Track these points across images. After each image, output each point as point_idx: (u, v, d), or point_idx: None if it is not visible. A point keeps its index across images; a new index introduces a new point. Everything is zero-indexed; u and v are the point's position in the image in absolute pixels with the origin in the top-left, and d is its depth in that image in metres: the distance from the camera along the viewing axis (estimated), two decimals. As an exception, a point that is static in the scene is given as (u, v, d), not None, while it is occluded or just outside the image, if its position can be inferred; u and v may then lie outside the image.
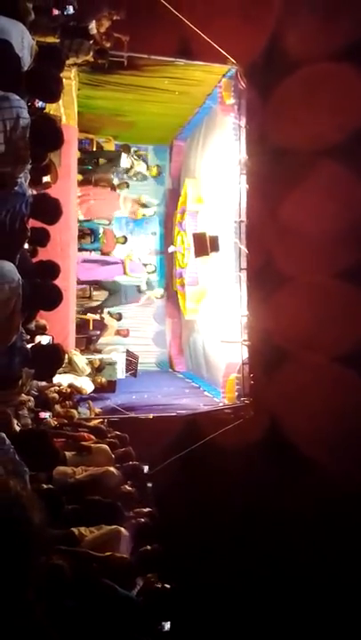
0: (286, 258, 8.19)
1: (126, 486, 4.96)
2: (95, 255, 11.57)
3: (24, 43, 3.87)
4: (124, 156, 11.78)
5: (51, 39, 6.55)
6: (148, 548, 4.39)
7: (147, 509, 4.81)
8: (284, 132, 8.14)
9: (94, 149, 11.36)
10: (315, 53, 7.79)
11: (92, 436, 5.86)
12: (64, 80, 5.89)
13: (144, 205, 12.59)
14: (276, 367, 8.42)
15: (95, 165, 11.31)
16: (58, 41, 6.74)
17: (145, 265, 12.44)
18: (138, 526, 4.43)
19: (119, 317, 11.76)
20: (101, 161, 11.35)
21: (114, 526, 4.28)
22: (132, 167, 12.14)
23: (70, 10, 6.58)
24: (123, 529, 4.29)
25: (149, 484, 5.91)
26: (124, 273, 11.93)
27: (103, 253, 11.72)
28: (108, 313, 11.59)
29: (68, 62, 7.31)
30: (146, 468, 6.30)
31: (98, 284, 11.38)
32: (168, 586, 3.95)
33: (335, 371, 7.76)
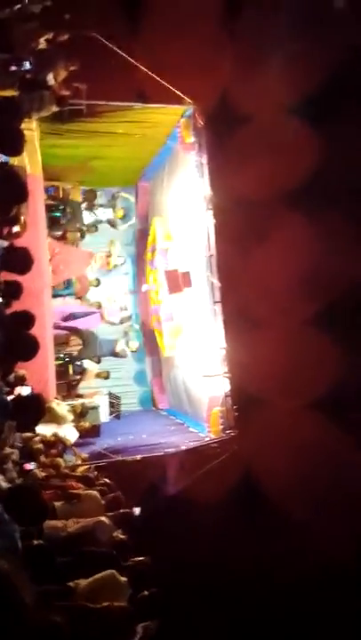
0: (258, 298, 8.29)
1: (119, 534, 4.88)
2: (71, 305, 11.52)
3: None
4: (85, 213, 11.94)
5: (9, 93, 6.67)
6: (146, 593, 4.31)
7: (141, 558, 4.73)
8: (243, 171, 8.32)
9: (61, 196, 11.47)
10: (268, 102, 8.05)
11: (81, 485, 5.78)
12: (26, 131, 6.00)
13: (112, 255, 12.65)
14: (255, 405, 8.39)
15: (62, 212, 11.41)
16: (17, 94, 6.87)
17: (121, 309, 12.46)
18: (134, 573, 4.35)
19: (98, 360, 11.70)
20: (68, 209, 11.46)
21: (109, 571, 4.20)
22: (95, 224, 12.29)
23: (27, 65, 6.71)
24: (117, 574, 4.21)
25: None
26: (102, 319, 11.95)
27: (77, 297, 11.73)
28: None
29: (31, 118, 7.45)
30: (137, 510, 6.22)
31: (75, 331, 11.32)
32: None
33: (310, 416, 7.78)
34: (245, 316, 8.54)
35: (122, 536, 4.90)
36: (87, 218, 12.25)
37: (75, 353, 10.82)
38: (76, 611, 3.52)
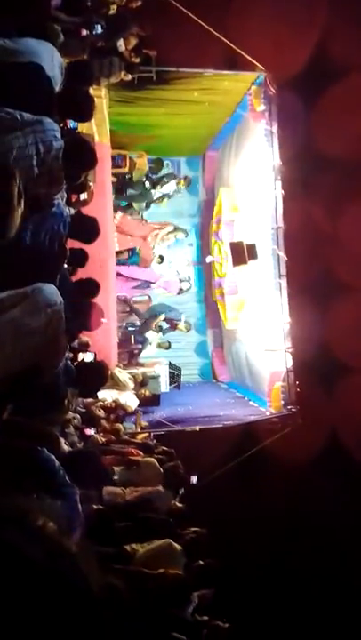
0: (330, 263, 8.06)
1: (176, 503, 4.92)
2: (135, 270, 11.57)
3: (54, 62, 3.93)
4: (152, 192, 11.82)
5: (80, 58, 6.64)
6: (202, 562, 4.34)
7: (197, 528, 4.76)
8: (318, 136, 8.03)
9: (127, 166, 11.44)
10: (350, 57, 7.69)
11: (140, 452, 5.85)
12: (95, 99, 5.97)
13: (175, 230, 12.49)
14: (325, 374, 8.26)
15: (130, 181, 11.38)
16: (87, 60, 6.84)
17: (182, 280, 12.40)
18: (189, 542, 4.38)
19: (160, 330, 11.76)
20: (136, 182, 11.37)
21: (165, 540, 4.25)
22: (162, 196, 12.16)
23: (98, 29, 6.65)
24: (174, 543, 4.25)
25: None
26: (163, 289, 11.99)
27: (141, 267, 11.76)
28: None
29: (100, 85, 7.41)
30: (194, 479, 6.26)
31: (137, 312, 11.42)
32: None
33: None
34: (312, 290, 8.35)
35: (179, 505, 4.93)
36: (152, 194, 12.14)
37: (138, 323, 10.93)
38: (133, 575, 3.58)
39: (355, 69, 7.70)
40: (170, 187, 12.41)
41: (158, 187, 12.10)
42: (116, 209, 10.91)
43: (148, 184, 11.76)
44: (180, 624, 3.54)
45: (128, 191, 11.29)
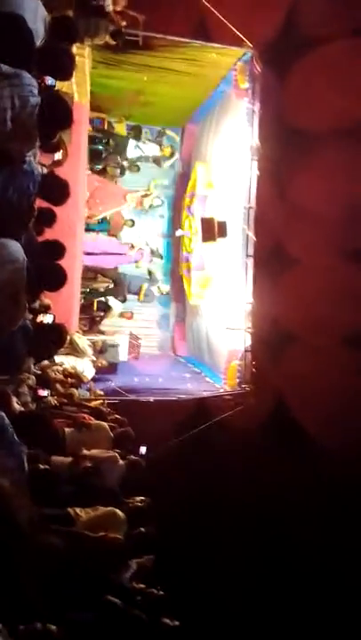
0: (294, 241, 8.14)
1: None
2: (103, 240, 11.47)
3: (38, 15, 3.81)
4: (131, 144, 11.66)
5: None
6: (143, 530, 4.43)
7: (141, 497, 4.83)
8: (297, 113, 8.02)
9: (106, 129, 11.25)
10: (331, 32, 7.66)
11: (92, 418, 5.87)
12: (77, 57, 5.82)
13: (151, 194, 12.41)
14: (281, 352, 8.40)
15: (106, 145, 11.21)
16: (72, 16, 6.64)
17: (153, 252, 12.37)
18: (133, 510, 4.45)
19: (123, 300, 11.73)
20: (112, 143, 11.24)
21: (109, 508, 4.31)
22: (140, 157, 12.02)
23: (86, -15, 6.46)
24: (118, 511, 4.32)
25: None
26: (132, 259, 11.94)
27: (110, 235, 11.67)
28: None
29: (84, 44, 7.22)
30: (143, 450, 6.34)
31: (103, 272, 11.32)
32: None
33: (342, 352, 7.73)
34: (279, 265, 8.43)
35: (135, 458, 5.01)
36: (132, 152, 11.97)
37: (101, 289, 10.86)
38: (73, 536, 3.63)
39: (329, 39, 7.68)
40: (152, 149, 12.26)
41: (141, 142, 11.95)
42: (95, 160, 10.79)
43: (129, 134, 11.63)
44: (115, 588, 3.62)
45: (103, 146, 11.14)
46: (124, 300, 11.61)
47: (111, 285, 11.24)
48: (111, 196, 11.28)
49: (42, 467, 4.09)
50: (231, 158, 9.98)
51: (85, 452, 4.88)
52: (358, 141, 7.43)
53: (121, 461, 5.03)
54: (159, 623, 3.66)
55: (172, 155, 12.59)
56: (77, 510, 4.18)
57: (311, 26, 7.72)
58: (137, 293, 11.86)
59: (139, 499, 4.77)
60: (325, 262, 7.92)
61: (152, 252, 12.48)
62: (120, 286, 11.35)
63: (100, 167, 11.23)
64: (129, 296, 11.71)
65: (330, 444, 7.41)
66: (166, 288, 12.61)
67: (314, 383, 7.85)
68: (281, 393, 8.18)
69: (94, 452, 4.99)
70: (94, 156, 10.95)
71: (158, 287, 12.43)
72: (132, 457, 5.41)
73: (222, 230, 9.95)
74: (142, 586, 4.12)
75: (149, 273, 12.35)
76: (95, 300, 11.01)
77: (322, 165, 7.73)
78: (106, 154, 11.25)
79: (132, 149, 11.92)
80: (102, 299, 11.22)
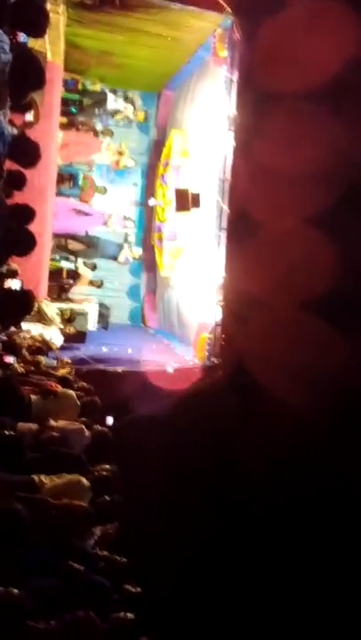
0: (264, 211, 8.09)
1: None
2: (73, 202, 11.31)
3: (11, -31, 3.65)
4: (111, 96, 11.43)
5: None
6: (107, 498, 4.45)
7: (108, 465, 4.84)
8: (275, 80, 7.89)
9: (79, 90, 11.00)
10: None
11: (59, 386, 5.83)
12: (52, 15, 5.62)
13: (124, 154, 12.26)
14: (249, 323, 8.43)
15: (79, 107, 10.98)
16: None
17: (125, 218, 12.25)
18: (98, 478, 4.46)
19: (94, 267, 11.61)
20: (86, 101, 11.00)
21: (74, 475, 4.31)
22: (118, 111, 11.81)
23: None
24: (83, 478, 4.32)
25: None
26: (104, 224, 11.80)
27: (82, 201, 11.48)
28: (83, 262, 11.43)
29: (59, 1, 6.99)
30: (110, 420, 6.34)
31: (74, 237, 11.18)
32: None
33: (305, 317, 7.80)
34: (248, 233, 8.40)
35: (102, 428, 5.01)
36: (111, 103, 11.73)
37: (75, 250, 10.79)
38: (37, 503, 3.63)
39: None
40: (126, 107, 12.06)
41: (115, 97, 11.75)
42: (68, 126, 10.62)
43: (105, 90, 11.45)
44: (78, 554, 3.64)
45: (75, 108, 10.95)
46: (94, 268, 11.49)
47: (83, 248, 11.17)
48: (85, 144, 11.15)
49: (7, 433, 4.05)
50: (207, 127, 9.85)
51: (52, 422, 4.86)
52: (331, 104, 7.37)
53: (87, 432, 5.02)
54: (122, 589, 3.71)
55: (145, 120, 12.40)
56: (42, 477, 4.17)
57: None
58: (114, 257, 11.80)
59: (105, 467, 4.78)
60: (291, 229, 7.92)
61: (125, 218, 12.36)
62: (94, 248, 11.26)
63: (75, 110, 11.02)
64: (101, 261, 11.63)
65: (287, 400, 7.53)
66: (139, 252, 12.51)
67: (272, 347, 7.93)
68: (241, 358, 8.23)
69: (61, 422, 4.97)
70: (66, 118, 10.73)
71: (131, 250, 12.35)
72: (99, 427, 5.41)
73: (196, 201, 9.88)
74: (105, 553, 4.16)
75: (126, 236, 12.26)
76: (65, 268, 10.89)
77: (294, 133, 7.66)
78: (80, 116, 11.04)
79: (111, 102, 11.73)
80: (72, 266, 11.10)
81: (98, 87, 11.36)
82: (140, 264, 12.74)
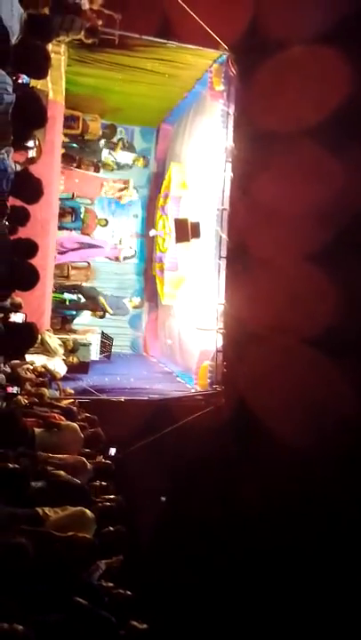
0: (263, 242, 8.24)
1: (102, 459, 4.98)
2: (76, 236, 11.44)
3: (14, 12, 3.79)
4: (105, 152, 11.70)
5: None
6: (112, 529, 4.43)
7: (113, 496, 4.83)
8: (270, 116, 8.12)
9: (80, 128, 11.20)
10: (302, 36, 7.78)
11: (63, 417, 5.85)
12: (53, 55, 5.80)
13: (128, 190, 12.42)
14: (248, 352, 8.50)
15: (82, 143, 11.20)
16: (48, 14, 6.59)
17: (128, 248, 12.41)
18: (103, 509, 4.45)
19: (103, 315, 11.71)
20: (87, 148, 11.26)
21: (78, 507, 4.30)
22: (112, 162, 12.05)
23: (63, -17, 6.43)
24: (88, 510, 4.31)
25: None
26: (105, 255, 11.95)
27: (83, 234, 11.62)
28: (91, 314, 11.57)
29: (58, 39, 7.18)
30: (113, 451, 6.34)
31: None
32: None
33: (304, 351, 7.86)
34: (248, 266, 8.52)
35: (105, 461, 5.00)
36: (105, 156, 11.99)
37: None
38: (42, 536, 3.62)
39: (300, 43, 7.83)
40: (125, 157, 12.25)
41: (113, 152, 11.96)
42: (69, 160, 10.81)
43: (102, 143, 11.63)
44: (83, 588, 3.61)
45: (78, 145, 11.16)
46: (102, 317, 11.58)
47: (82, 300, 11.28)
48: (87, 183, 11.34)
49: (11, 466, 4.06)
50: (205, 159, 10.04)
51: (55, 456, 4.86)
52: (323, 144, 7.58)
53: (90, 465, 5.02)
54: (128, 625, 3.66)
55: (145, 166, 12.63)
56: (46, 510, 4.16)
57: (280, 29, 7.85)
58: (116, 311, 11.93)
59: (109, 498, 4.77)
60: (291, 264, 8.04)
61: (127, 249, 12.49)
62: (92, 300, 11.35)
63: (74, 165, 11.19)
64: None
65: (288, 439, 7.55)
66: (137, 300, 12.61)
67: (273, 382, 7.98)
68: (245, 392, 8.28)
69: (63, 456, 4.97)
70: (68, 156, 10.92)
71: (131, 300, 12.43)
72: (102, 460, 5.41)
73: (196, 231, 10.00)
74: (110, 584, 4.13)
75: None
76: (67, 299, 10.97)
77: (291, 168, 7.85)
78: (81, 154, 11.25)
79: (106, 155, 11.96)
80: (75, 297, 11.18)
81: (98, 124, 11.52)
82: (141, 295, 12.82)
